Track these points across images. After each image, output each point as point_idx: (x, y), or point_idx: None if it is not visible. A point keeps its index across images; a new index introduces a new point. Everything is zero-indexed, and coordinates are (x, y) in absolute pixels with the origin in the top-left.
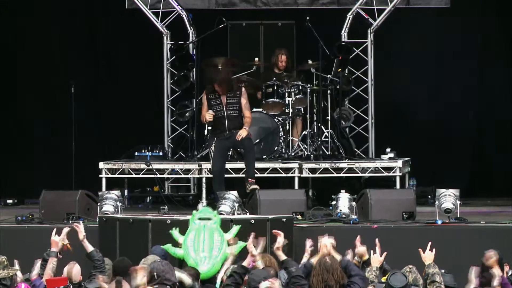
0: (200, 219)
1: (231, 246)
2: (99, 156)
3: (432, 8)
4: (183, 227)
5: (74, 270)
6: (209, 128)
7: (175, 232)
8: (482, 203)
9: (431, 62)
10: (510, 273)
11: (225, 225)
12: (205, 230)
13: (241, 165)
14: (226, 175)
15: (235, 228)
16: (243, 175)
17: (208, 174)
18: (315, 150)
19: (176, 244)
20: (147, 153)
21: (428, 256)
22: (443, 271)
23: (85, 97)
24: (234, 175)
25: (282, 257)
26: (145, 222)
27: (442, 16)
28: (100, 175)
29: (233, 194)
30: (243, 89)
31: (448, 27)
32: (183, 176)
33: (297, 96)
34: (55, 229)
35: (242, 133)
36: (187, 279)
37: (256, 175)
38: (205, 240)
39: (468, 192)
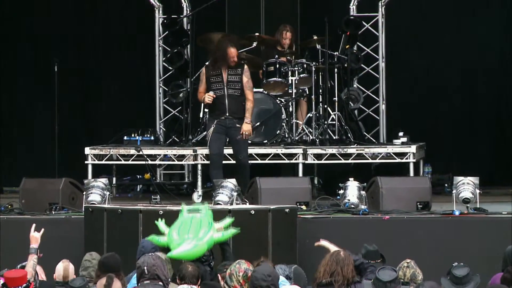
0: (189, 211)
1: (220, 223)
2: (84, 141)
3: None
4: (176, 218)
5: (70, 269)
6: (206, 110)
7: (160, 223)
8: (504, 192)
9: (448, 37)
10: None
11: (223, 216)
12: (193, 219)
13: None
14: (224, 162)
15: (227, 220)
16: None
17: (204, 160)
18: (321, 134)
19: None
20: (137, 137)
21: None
22: (456, 263)
23: (69, 76)
24: (232, 161)
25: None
26: (135, 212)
27: None
28: (86, 162)
29: (231, 182)
30: (245, 66)
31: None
32: (176, 162)
33: (301, 75)
34: (34, 225)
35: (246, 130)
36: None
37: (256, 162)
38: (191, 227)
39: (488, 180)
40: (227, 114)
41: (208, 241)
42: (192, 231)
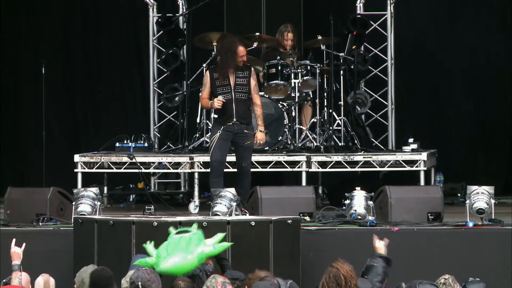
0: (178, 233)
1: (212, 239)
2: (74, 147)
3: None
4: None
5: (51, 283)
6: (215, 115)
7: (149, 246)
8: None
9: (460, 37)
10: None
11: (221, 227)
12: (182, 239)
13: None
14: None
15: (219, 235)
16: None
17: (201, 168)
18: (326, 140)
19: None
20: (130, 144)
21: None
22: (471, 279)
23: (58, 78)
24: (232, 170)
25: None
26: (127, 224)
27: None
28: (75, 170)
29: (230, 192)
30: (252, 69)
31: None
32: (172, 170)
33: (305, 78)
34: (14, 239)
35: (260, 138)
36: None
37: (257, 170)
38: (181, 247)
39: (504, 189)
40: (235, 120)
41: (199, 255)
42: (181, 248)
